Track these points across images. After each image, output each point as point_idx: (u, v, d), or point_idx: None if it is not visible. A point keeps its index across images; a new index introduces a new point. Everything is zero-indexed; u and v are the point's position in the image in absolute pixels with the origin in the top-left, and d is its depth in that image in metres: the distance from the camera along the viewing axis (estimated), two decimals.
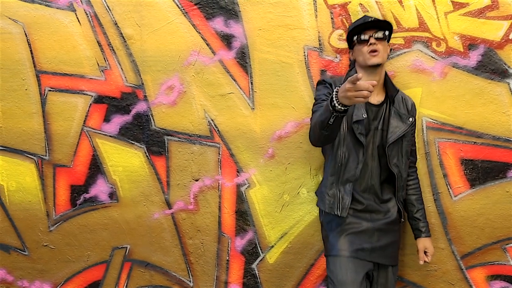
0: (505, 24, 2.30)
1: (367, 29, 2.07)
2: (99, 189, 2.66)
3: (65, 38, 2.65)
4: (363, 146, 2.07)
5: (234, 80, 2.56)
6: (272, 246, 2.56)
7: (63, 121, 2.67)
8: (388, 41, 2.14)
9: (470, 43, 2.34)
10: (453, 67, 2.36)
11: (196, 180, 2.60)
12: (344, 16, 2.44)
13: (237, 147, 2.57)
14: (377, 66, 2.06)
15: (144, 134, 2.62)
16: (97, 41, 2.63)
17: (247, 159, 2.56)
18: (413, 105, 2.21)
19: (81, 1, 2.63)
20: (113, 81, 2.63)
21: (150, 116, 2.61)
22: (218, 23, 2.55)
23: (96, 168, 2.66)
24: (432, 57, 2.38)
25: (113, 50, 2.62)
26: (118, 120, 2.63)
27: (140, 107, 2.62)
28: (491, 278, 2.39)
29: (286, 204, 2.54)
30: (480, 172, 2.37)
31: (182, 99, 2.60)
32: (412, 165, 2.28)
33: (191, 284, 2.64)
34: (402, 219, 2.21)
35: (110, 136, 2.64)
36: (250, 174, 2.56)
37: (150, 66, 2.60)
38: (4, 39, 2.69)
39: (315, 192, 2.30)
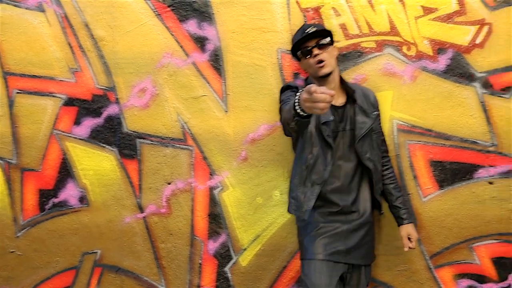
0: (472, 29, 2.36)
1: (308, 40, 2.09)
2: (69, 193, 2.61)
3: (34, 39, 2.59)
4: (331, 148, 2.09)
5: (208, 83, 2.55)
6: (245, 249, 2.55)
7: (31, 124, 2.60)
8: (332, 43, 2.15)
9: (439, 47, 2.39)
10: (423, 70, 2.41)
11: (169, 183, 2.58)
12: (317, 20, 2.47)
13: (210, 150, 2.56)
14: (329, 74, 2.09)
15: (116, 137, 2.58)
16: (68, 43, 2.58)
17: (220, 162, 2.55)
18: (375, 96, 2.26)
19: (50, 2, 2.58)
20: (84, 83, 2.58)
21: (122, 119, 2.57)
22: (192, 26, 2.54)
23: (66, 172, 2.60)
24: (402, 60, 2.42)
25: (84, 51, 2.58)
26: (89, 123, 2.59)
27: (111, 109, 2.58)
28: (458, 277, 2.44)
29: (259, 207, 2.54)
30: (449, 174, 2.42)
31: (154, 101, 2.57)
32: (385, 154, 2.32)
33: None
34: (382, 211, 2.24)
35: (80, 139, 2.59)
36: (223, 177, 2.55)
37: (122, 68, 2.57)
38: None
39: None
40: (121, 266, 2.62)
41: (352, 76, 2.43)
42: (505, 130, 2.36)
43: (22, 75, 2.60)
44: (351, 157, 2.14)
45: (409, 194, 2.45)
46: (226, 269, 2.57)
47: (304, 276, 2.07)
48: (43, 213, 2.63)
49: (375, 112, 2.19)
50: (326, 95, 1.48)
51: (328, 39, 2.12)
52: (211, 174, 2.56)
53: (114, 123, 2.58)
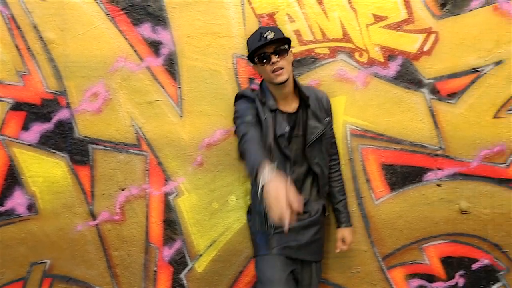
0: (420, 37, 2.45)
1: (266, 45, 2.04)
2: (16, 201, 2.51)
3: None
4: (289, 158, 2.12)
5: (162, 87, 2.52)
6: (201, 255, 2.53)
7: None
8: (288, 51, 2.12)
9: (390, 54, 2.46)
10: (375, 76, 2.47)
11: (123, 190, 2.53)
12: (271, 25, 2.48)
13: (165, 155, 2.52)
14: (285, 81, 2.08)
15: (67, 142, 2.50)
16: (15, 45, 2.49)
17: (176, 167, 2.53)
18: (328, 99, 2.29)
19: None
20: (33, 87, 2.50)
21: (74, 124, 2.50)
22: (146, 29, 2.51)
23: (13, 179, 2.50)
24: (355, 66, 2.48)
25: (33, 54, 2.50)
26: (38, 128, 2.50)
27: (62, 114, 2.50)
28: (409, 277, 2.51)
29: (215, 212, 2.53)
30: (400, 177, 2.49)
31: (107, 106, 2.52)
32: (335, 157, 2.36)
33: None
34: (327, 213, 2.30)
35: (29, 145, 2.50)
36: (178, 182, 2.53)
37: (74, 72, 2.50)
38: None
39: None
40: (72, 275, 2.54)
41: (306, 81, 2.47)
42: (451, 134, 2.45)
43: None
44: (303, 161, 2.18)
45: (362, 197, 2.50)
46: (182, 275, 2.54)
47: (258, 272, 2.10)
48: None
49: (327, 118, 2.23)
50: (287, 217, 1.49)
51: (286, 46, 2.10)
52: (166, 180, 2.53)
53: (65, 128, 2.50)
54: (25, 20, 2.49)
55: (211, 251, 2.54)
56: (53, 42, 2.50)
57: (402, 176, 2.49)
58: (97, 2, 2.50)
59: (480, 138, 2.43)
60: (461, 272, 2.49)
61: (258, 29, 2.14)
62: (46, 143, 2.50)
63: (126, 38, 2.51)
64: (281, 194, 1.52)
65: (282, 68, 2.04)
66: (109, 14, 2.50)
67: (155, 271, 2.53)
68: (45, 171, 2.51)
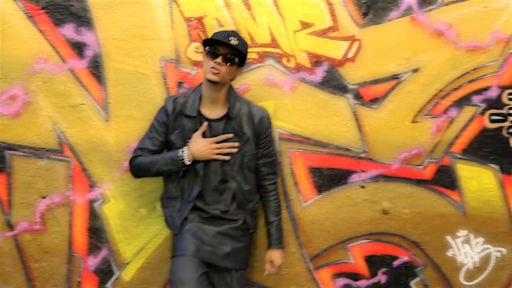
0: (345, 44, 2.53)
1: (222, 45, 2.11)
2: None
3: None
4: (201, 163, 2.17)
5: (87, 91, 2.44)
6: (128, 263, 2.47)
7: None
8: (240, 66, 2.23)
9: (316, 60, 2.53)
10: (302, 81, 2.53)
11: (44, 198, 2.41)
12: (200, 29, 2.48)
13: (90, 160, 2.44)
14: (215, 82, 2.12)
15: None
16: None
17: (101, 173, 2.45)
18: (262, 119, 2.27)
19: None
20: None
21: None
22: (69, 30, 2.41)
23: None
24: (283, 72, 2.52)
25: None
26: None
27: None
28: (335, 276, 2.59)
29: (143, 218, 2.48)
30: (326, 179, 2.56)
31: (27, 110, 2.40)
32: (269, 177, 2.34)
33: None
34: (253, 230, 2.31)
35: None
36: (104, 188, 2.45)
37: None
38: None
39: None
40: None
41: (235, 86, 2.47)
42: (374, 138, 2.56)
43: None
44: (221, 173, 2.21)
45: (290, 200, 2.55)
46: (108, 285, 2.47)
47: (171, 274, 2.10)
48: None
49: (246, 135, 2.21)
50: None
51: (236, 59, 2.15)
52: (91, 186, 2.44)
53: None
54: None
55: (139, 259, 2.48)
56: None
57: (328, 179, 2.57)
58: (15, 0, 2.37)
59: (399, 141, 2.55)
60: (383, 269, 2.60)
61: (230, 30, 2.31)
62: None
63: (47, 39, 2.40)
64: (202, 142, 2.09)
65: (219, 71, 2.08)
66: (28, 13, 2.39)
67: (79, 282, 2.44)
68: None
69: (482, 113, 2.55)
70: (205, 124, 2.16)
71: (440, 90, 2.53)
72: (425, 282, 2.62)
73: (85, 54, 2.43)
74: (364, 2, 2.49)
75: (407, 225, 2.59)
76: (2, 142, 2.38)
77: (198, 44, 2.47)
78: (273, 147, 2.37)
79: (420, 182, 2.58)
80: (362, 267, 2.60)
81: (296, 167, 2.55)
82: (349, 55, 2.53)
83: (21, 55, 2.39)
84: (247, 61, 2.47)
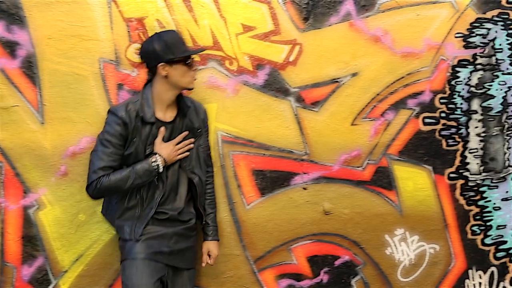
0: (286, 48, 2.57)
1: (193, 54, 2.20)
2: None
3: None
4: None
5: (20, 92, 2.34)
6: (66, 271, 2.39)
7: None
8: None
9: (258, 63, 2.55)
10: (244, 84, 2.54)
11: None
12: (141, 31, 2.43)
13: (24, 165, 2.34)
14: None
15: None
16: None
17: (36, 178, 2.35)
18: (205, 111, 2.37)
19: None
20: None
21: None
22: None
23: None
24: (225, 74, 2.52)
25: None
26: None
27: None
28: (279, 278, 2.62)
29: (82, 224, 2.41)
30: (269, 182, 2.59)
31: None
32: (209, 169, 2.39)
33: None
34: (204, 221, 2.34)
35: None
36: (39, 194, 2.36)
37: None
38: None
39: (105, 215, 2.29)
40: None
41: None
42: (316, 140, 2.61)
43: None
44: (178, 171, 2.20)
45: (234, 202, 2.55)
46: None
47: (124, 278, 2.07)
48: None
49: (200, 130, 2.27)
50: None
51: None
52: (25, 192, 2.35)
53: None
54: None
55: (77, 266, 2.41)
56: None
57: (271, 181, 2.59)
58: None
59: (340, 143, 2.62)
60: (326, 269, 2.66)
61: (174, 32, 2.24)
62: None
63: None
64: (168, 145, 2.13)
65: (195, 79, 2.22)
66: None
67: None
68: None
69: (417, 116, 2.66)
70: (162, 129, 2.15)
71: (378, 94, 2.62)
72: (365, 280, 2.70)
73: (17, 53, 2.32)
74: (305, 7, 2.54)
75: (348, 225, 2.66)
76: None
77: (138, 45, 2.41)
78: (209, 140, 2.42)
79: (359, 183, 2.66)
80: (305, 268, 2.65)
81: (239, 170, 2.56)
82: (291, 59, 2.57)
83: None
84: None
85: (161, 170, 2.11)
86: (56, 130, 2.37)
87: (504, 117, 2.72)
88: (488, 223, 2.73)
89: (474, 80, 2.67)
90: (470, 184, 2.72)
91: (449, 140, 2.68)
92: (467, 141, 2.70)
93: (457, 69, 2.66)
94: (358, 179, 2.65)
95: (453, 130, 2.68)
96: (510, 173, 2.74)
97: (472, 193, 2.72)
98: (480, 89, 2.68)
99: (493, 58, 2.68)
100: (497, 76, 2.69)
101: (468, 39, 2.66)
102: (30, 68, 2.34)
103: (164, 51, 2.08)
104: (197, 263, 2.36)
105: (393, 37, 2.60)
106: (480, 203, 2.72)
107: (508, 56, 2.69)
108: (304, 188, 2.62)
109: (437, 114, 2.67)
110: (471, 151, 2.70)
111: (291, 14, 2.55)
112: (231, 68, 2.53)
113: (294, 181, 2.61)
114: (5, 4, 2.30)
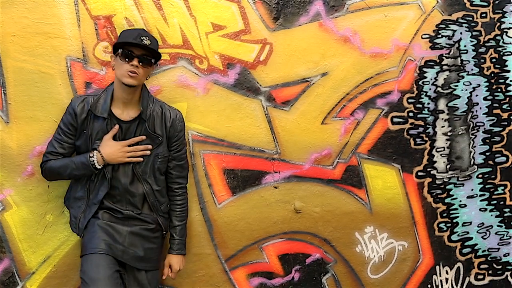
0: (257, 47, 2.57)
1: (136, 46, 2.06)
2: None
3: None
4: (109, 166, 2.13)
5: None
6: (33, 273, 2.35)
7: None
8: (154, 64, 2.19)
9: (229, 62, 2.55)
10: (215, 83, 2.53)
11: None
12: (109, 29, 2.40)
13: None
14: (133, 86, 2.08)
15: None
16: None
17: (2, 178, 2.31)
18: (174, 121, 2.25)
19: None
20: None
21: None
22: None
23: None
24: (195, 73, 2.51)
25: None
26: None
27: None
28: (250, 276, 2.64)
29: (50, 225, 2.37)
30: (240, 180, 2.59)
31: None
32: (179, 180, 2.32)
33: None
34: (165, 232, 2.29)
35: None
36: (5, 195, 2.32)
37: None
38: None
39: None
40: None
41: (147, 87, 2.42)
42: (286, 139, 2.63)
43: None
44: (132, 175, 2.17)
45: (205, 201, 2.55)
46: None
47: (82, 274, 2.06)
48: None
49: (160, 138, 2.19)
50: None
51: (153, 60, 2.13)
52: None
53: None
54: None
55: (45, 268, 2.37)
56: None
57: (242, 180, 2.60)
58: None
59: (310, 142, 2.64)
60: (297, 267, 2.68)
61: (139, 29, 2.25)
62: None
63: None
64: (115, 145, 2.09)
65: (136, 74, 2.04)
66: None
67: None
68: None
69: (386, 115, 2.71)
70: (116, 127, 2.12)
71: (347, 94, 2.65)
72: (336, 277, 2.73)
73: None
74: (275, 7, 2.55)
75: (318, 223, 2.69)
76: None
77: (107, 44, 2.39)
78: (185, 151, 2.34)
79: (330, 181, 2.69)
80: (276, 266, 2.67)
81: (210, 169, 2.55)
82: (261, 58, 2.58)
83: None
84: (158, 62, 2.44)
85: (98, 166, 2.08)
86: (22, 129, 2.32)
87: (469, 116, 2.79)
88: (454, 220, 2.80)
89: (441, 81, 2.72)
90: (437, 182, 2.78)
91: (417, 139, 2.74)
92: (434, 140, 2.76)
93: (424, 69, 2.71)
94: (329, 178, 2.68)
95: (421, 129, 2.73)
96: (475, 171, 2.81)
97: (439, 191, 2.78)
98: (446, 89, 2.74)
99: (458, 59, 2.74)
100: (462, 77, 2.75)
101: (435, 40, 2.72)
102: None
103: (114, 44, 2.14)
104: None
105: (362, 38, 2.64)
106: (447, 200, 2.79)
107: (473, 57, 2.76)
108: (275, 187, 2.63)
109: (405, 114, 2.72)
110: (438, 150, 2.76)
111: (261, 13, 2.55)
112: (201, 67, 2.52)
113: (265, 180, 2.62)
114: None
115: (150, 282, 2.19)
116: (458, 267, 2.83)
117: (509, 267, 2.88)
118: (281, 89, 2.60)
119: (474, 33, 2.75)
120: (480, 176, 2.82)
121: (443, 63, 2.73)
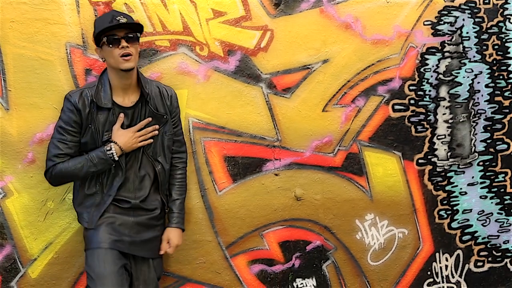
0: (257, 34, 2.56)
1: (117, 29, 2.01)
2: None
3: None
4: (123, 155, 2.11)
5: None
6: (35, 259, 2.36)
7: None
8: (138, 40, 2.13)
9: (229, 49, 2.53)
10: (215, 70, 2.52)
11: None
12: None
13: None
14: (131, 69, 2.06)
15: None
16: None
17: (2, 165, 2.31)
18: (172, 97, 2.27)
19: None
20: None
21: None
22: None
23: None
24: (196, 60, 2.50)
25: None
26: None
27: None
28: (251, 263, 2.65)
29: (51, 212, 2.37)
30: (241, 168, 2.59)
31: None
32: (178, 155, 2.33)
33: None
34: (166, 209, 2.30)
35: None
36: (6, 182, 2.32)
37: None
38: None
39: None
40: None
41: (147, 74, 2.42)
42: (287, 126, 2.62)
43: None
44: (141, 157, 2.16)
45: (205, 189, 2.55)
46: (13, 283, 2.34)
47: (87, 268, 2.06)
48: None
49: (165, 117, 2.20)
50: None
51: (138, 33, 2.08)
52: None
53: None
54: None
55: (46, 254, 2.38)
56: None
57: (243, 167, 2.60)
58: None
59: (311, 130, 2.64)
60: (297, 254, 2.69)
61: (109, 12, 2.14)
62: None
63: None
64: (127, 133, 2.08)
65: (130, 55, 2.02)
66: None
67: None
68: None
69: (387, 103, 2.70)
70: (122, 115, 2.10)
71: (348, 81, 2.64)
72: (336, 264, 2.75)
73: None
74: None
75: (319, 210, 2.69)
76: None
77: None
78: (181, 125, 2.35)
79: (331, 169, 2.69)
80: (277, 253, 2.68)
81: (211, 156, 2.55)
82: (262, 45, 2.56)
83: None
84: (159, 48, 2.44)
85: (116, 158, 2.06)
86: (22, 116, 2.31)
87: (470, 104, 2.78)
88: (454, 208, 2.80)
89: (442, 68, 2.71)
90: (438, 169, 2.78)
91: (418, 127, 2.73)
92: (435, 128, 2.75)
93: (426, 56, 2.70)
94: (329, 165, 2.68)
95: (422, 116, 2.73)
96: (476, 159, 2.81)
97: (439, 179, 2.78)
98: (448, 76, 2.73)
99: (461, 46, 2.72)
100: (464, 64, 2.74)
101: (437, 27, 2.70)
102: None
103: (94, 36, 2.07)
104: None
105: (364, 24, 2.62)
106: (447, 188, 2.79)
107: (475, 44, 2.74)
108: (276, 174, 2.63)
109: (406, 101, 2.71)
110: (439, 137, 2.75)
111: (262, 0, 2.53)
112: (201, 54, 2.51)
113: (266, 167, 2.62)
114: None
115: (156, 270, 2.21)
116: (458, 254, 2.84)
117: (509, 254, 2.90)
118: (282, 76, 2.59)
119: (476, 19, 2.73)
120: (481, 163, 2.82)
121: (445, 50, 2.71)
